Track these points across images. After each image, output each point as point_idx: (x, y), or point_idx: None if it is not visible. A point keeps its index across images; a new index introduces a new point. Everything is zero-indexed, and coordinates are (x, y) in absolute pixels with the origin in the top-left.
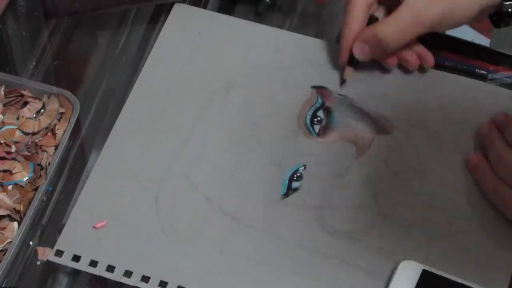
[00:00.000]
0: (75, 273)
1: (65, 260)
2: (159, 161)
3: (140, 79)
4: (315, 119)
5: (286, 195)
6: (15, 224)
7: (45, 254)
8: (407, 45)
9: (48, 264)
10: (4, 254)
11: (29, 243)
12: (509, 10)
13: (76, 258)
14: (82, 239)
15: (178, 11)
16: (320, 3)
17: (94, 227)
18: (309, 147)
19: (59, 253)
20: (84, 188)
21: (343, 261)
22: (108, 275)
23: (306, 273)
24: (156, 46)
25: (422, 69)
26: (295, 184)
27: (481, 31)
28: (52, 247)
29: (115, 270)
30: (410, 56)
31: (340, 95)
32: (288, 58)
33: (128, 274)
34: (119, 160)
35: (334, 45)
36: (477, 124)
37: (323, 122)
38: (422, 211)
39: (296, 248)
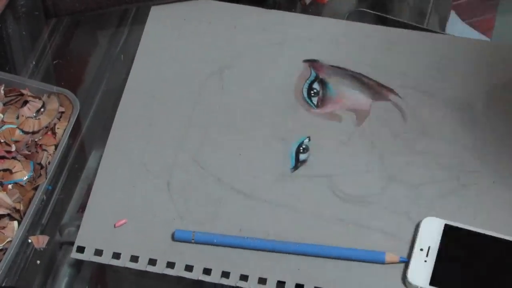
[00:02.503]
0: (75, 272)
1: (88, 255)
2: (165, 149)
3: (132, 72)
4: (312, 92)
5: (295, 167)
6: (15, 223)
7: (41, 242)
8: None
9: (49, 264)
10: (4, 253)
11: (29, 242)
12: None
13: (98, 252)
14: (100, 233)
15: (157, 11)
16: (319, 2)
17: (115, 226)
18: (310, 119)
19: (80, 249)
20: (95, 183)
21: (360, 225)
22: (132, 265)
23: (325, 240)
24: (144, 38)
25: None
26: (302, 156)
27: (484, 32)
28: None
29: (139, 260)
30: None
31: (332, 66)
32: (276, 35)
33: (152, 262)
34: (125, 152)
35: (319, 18)
36: (470, 79)
37: (320, 94)
38: (429, 169)
39: (313, 218)
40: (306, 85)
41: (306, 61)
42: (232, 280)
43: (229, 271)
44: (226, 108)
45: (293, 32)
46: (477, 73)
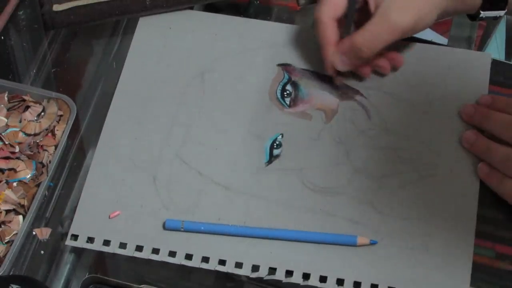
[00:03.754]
0: (76, 259)
1: (81, 243)
2: (151, 146)
3: (122, 76)
4: (285, 93)
5: (269, 162)
6: (20, 217)
7: (44, 233)
8: (379, 52)
9: (52, 254)
10: (11, 245)
11: (33, 234)
12: (483, 17)
13: (90, 240)
14: (92, 222)
15: (145, 21)
16: (293, 10)
17: (109, 217)
18: (283, 117)
19: (74, 237)
20: (87, 177)
21: (328, 213)
22: (121, 251)
23: (297, 228)
24: (133, 45)
25: (394, 69)
26: (276, 152)
27: (442, 33)
28: (55, 236)
29: (127, 246)
30: (383, 62)
31: (303, 69)
32: (252, 42)
33: (139, 248)
34: (115, 149)
35: (292, 26)
36: (428, 81)
37: (292, 95)
38: (391, 163)
39: (285, 207)
40: (280, 87)
41: (279, 65)
42: (212, 265)
43: (208, 256)
44: (207, 108)
45: (268, 38)
46: (435, 76)
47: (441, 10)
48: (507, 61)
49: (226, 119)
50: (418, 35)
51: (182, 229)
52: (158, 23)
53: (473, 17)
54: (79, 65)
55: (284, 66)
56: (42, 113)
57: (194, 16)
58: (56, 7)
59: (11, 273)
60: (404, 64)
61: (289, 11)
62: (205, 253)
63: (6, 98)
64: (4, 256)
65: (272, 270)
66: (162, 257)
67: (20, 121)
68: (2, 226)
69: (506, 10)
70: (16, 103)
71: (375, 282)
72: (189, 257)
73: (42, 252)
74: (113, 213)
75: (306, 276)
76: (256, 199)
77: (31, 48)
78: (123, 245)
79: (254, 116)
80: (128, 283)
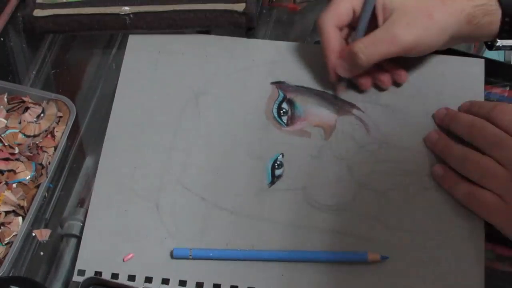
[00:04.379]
0: (75, 262)
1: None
2: (151, 173)
3: (115, 103)
4: (281, 111)
5: (272, 183)
6: (20, 218)
7: (44, 235)
8: (380, 65)
9: (51, 255)
10: (10, 246)
11: (33, 235)
12: (500, 45)
13: (98, 274)
14: (98, 256)
15: (135, 40)
16: (292, 12)
17: (124, 260)
18: (282, 137)
19: (81, 272)
20: (89, 209)
21: (336, 232)
22: (130, 283)
23: (306, 248)
24: (124, 70)
25: (397, 84)
26: (277, 172)
27: None
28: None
29: (136, 278)
30: (384, 76)
31: (298, 86)
32: (243, 61)
33: (148, 279)
34: (115, 179)
35: (281, 42)
36: (423, 92)
37: (289, 113)
38: (394, 176)
39: (292, 228)
40: (276, 105)
41: (273, 83)
42: None
43: (219, 283)
44: (204, 132)
45: (259, 57)
46: (430, 85)
47: (452, 35)
48: (506, 62)
49: (225, 141)
50: None
51: (190, 257)
52: (147, 47)
53: (490, 46)
54: (79, 67)
55: (278, 84)
56: (42, 115)
57: (183, 38)
58: (37, 12)
59: (10, 274)
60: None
61: (288, 13)
62: (216, 279)
63: (5, 100)
64: (4, 257)
65: None
66: (173, 287)
67: (20, 123)
68: (2, 227)
69: None
70: (16, 104)
71: None
72: (200, 285)
73: (41, 253)
74: (126, 256)
75: None
76: (263, 222)
77: (31, 50)
78: (131, 277)
79: (253, 137)
80: (127, 285)
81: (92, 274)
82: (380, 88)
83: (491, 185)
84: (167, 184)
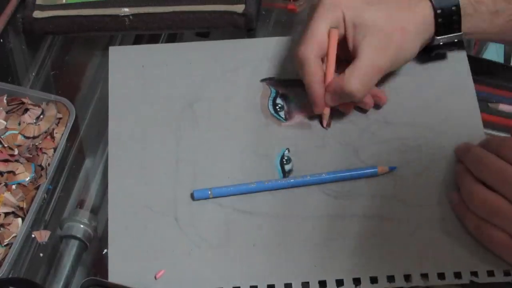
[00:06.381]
0: (76, 263)
1: None
2: (163, 188)
3: (110, 122)
4: (277, 107)
5: (284, 178)
6: (19, 220)
7: (43, 236)
8: None
9: (51, 256)
10: (10, 248)
11: (32, 237)
12: (441, 43)
13: None
14: (129, 279)
15: (116, 52)
16: (291, 12)
17: (155, 278)
18: (283, 132)
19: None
20: (109, 234)
21: (361, 216)
22: None
23: (333, 236)
24: (112, 90)
25: (377, 106)
26: (287, 167)
27: None
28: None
29: None
30: (367, 99)
31: (287, 79)
32: (229, 62)
33: None
34: (128, 198)
35: (263, 39)
36: (419, 79)
37: (285, 107)
38: (400, 153)
39: (315, 219)
40: (270, 102)
41: (263, 80)
42: None
43: (239, 285)
44: (206, 138)
45: (243, 56)
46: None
47: (421, 41)
48: (506, 64)
49: (228, 145)
50: None
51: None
52: (129, 61)
53: (431, 48)
54: (78, 68)
55: (268, 81)
56: (41, 116)
57: (164, 48)
58: (36, 14)
59: (10, 275)
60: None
61: (288, 13)
62: (248, 280)
63: (5, 101)
64: (3, 258)
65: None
66: None
67: (19, 124)
68: (1, 228)
69: (462, 33)
70: (15, 105)
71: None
72: None
73: (41, 254)
74: (158, 272)
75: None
76: (285, 219)
77: (30, 51)
78: None
79: (255, 136)
80: (127, 286)
81: None
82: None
83: (499, 223)
84: (180, 195)
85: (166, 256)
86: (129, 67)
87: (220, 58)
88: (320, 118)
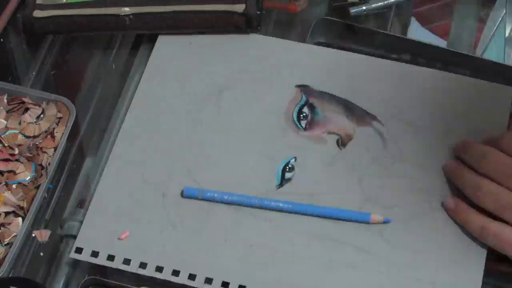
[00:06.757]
0: (76, 263)
1: (85, 256)
2: (163, 162)
3: (139, 89)
4: (301, 115)
5: (280, 185)
6: (20, 219)
7: (44, 235)
8: None
9: (51, 256)
10: (10, 247)
11: (33, 236)
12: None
13: (95, 254)
14: (98, 237)
15: (163, 41)
16: (292, 12)
17: (119, 238)
18: (297, 140)
19: (79, 250)
20: (96, 190)
21: (336, 240)
22: (124, 267)
23: (303, 255)
24: (152, 58)
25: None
26: (288, 175)
27: (441, 35)
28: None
29: (131, 263)
30: None
31: (321, 91)
32: (271, 61)
33: (143, 265)
34: (127, 164)
35: (311, 46)
36: (448, 112)
37: (309, 118)
38: (403, 192)
39: (294, 233)
40: (297, 109)
41: (298, 86)
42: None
43: (212, 277)
44: (222, 127)
45: (286, 57)
46: (455, 105)
47: None
48: (507, 63)
49: (240, 139)
50: (416, 37)
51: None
52: (178, 40)
53: None
54: (79, 67)
55: (302, 88)
56: (42, 115)
57: (215, 37)
58: (37, 13)
59: (10, 275)
60: (424, 91)
61: (288, 14)
62: (209, 274)
63: (5, 100)
64: (4, 258)
65: None
66: (166, 275)
67: (20, 123)
68: (2, 228)
69: None
70: (16, 105)
71: None
72: (192, 277)
73: (41, 254)
74: (122, 234)
75: None
76: (265, 223)
77: (31, 50)
78: (127, 261)
79: (268, 137)
80: (127, 285)
81: (89, 253)
82: (399, 100)
83: (510, 217)
84: (177, 174)
85: (140, 227)
86: (175, 45)
87: (266, 54)
88: (339, 137)
